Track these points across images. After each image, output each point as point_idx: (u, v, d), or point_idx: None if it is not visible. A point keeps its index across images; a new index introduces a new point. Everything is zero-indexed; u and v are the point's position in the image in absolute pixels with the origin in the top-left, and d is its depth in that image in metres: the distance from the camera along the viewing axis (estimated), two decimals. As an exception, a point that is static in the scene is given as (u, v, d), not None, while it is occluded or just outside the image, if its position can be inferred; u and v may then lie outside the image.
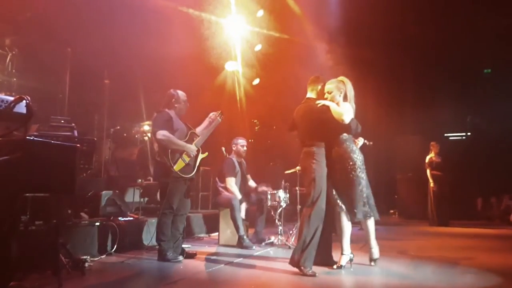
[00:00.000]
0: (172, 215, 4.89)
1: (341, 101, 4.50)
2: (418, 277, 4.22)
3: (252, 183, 6.69)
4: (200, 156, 5.08)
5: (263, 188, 6.53)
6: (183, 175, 4.86)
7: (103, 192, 5.86)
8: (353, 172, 4.38)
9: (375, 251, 4.58)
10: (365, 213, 4.40)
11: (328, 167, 4.42)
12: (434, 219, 9.60)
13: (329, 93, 4.51)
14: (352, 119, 4.41)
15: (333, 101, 4.47)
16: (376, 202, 4.61)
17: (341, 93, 4.50)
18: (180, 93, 5.14)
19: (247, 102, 10.23)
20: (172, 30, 7.69)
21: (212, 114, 5.26)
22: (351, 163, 4.38)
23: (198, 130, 5.20)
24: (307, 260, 4.18)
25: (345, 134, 4.48)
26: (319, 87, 4.65)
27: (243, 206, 6.33)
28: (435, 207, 9.63)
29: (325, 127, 4.44)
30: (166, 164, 4.78)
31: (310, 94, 4.70)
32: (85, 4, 7.29)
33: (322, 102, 4.47)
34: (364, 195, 4.41)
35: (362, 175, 4.42)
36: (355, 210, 4.35)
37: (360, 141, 5.36)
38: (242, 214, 6.24)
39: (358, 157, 4.45)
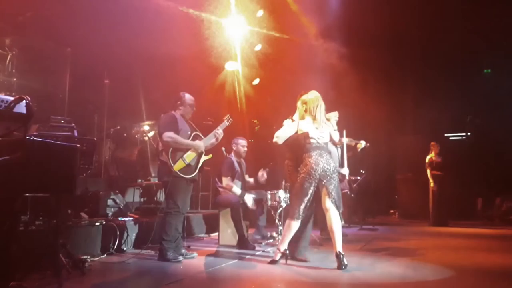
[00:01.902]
0: (178, 215, 4.90)
1: (305, 115, 4.85)
2: (417, 277, 4.22)
3: (250, 180, 6.69)
4: (203, 158, 5.09)
5: (262, 172, 6.55)
6: (183, 175, 4.87)
7: (103, 192, 5.86)
8: (304, 177, 4.62)
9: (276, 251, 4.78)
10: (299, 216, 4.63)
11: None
12: (434, 219, 9.60)
13: (298, 108, 5.04)
14: (289, 138, 4.79)
15: (300, 115, 4.95)
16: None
17: (303, 107, 4.88)
18: (187, 96, 5.16)
19: (247, 102, 10.23)
20: (172, 30, 7.68)
21: (217, 130, 5.24)
22: (305, 169, 4.64)
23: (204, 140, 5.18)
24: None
25: (307, 145, 4.72)
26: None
27: (250, 197, 6.26)
28: (435, 207, 9.63)
29: (291, 141, 4.87)
30: (168, 164, 4.81)
31: (296, 112, 5.17)
32: (86, 4, 7.29)
33: (284, 122, 5.06)
34: (305, 201, 4.61)
35: (310, 185, 4.60)
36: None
37: (362, 143, 5.49)
38: (250, 204, 6.22)
39: (315, 166, 4.62)
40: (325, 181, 4.61)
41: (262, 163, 10.39)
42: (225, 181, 6.26)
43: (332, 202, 4.58)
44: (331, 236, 4.54)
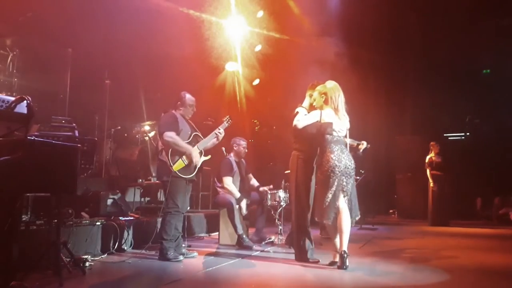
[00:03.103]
0: (178, 214, 4.92)
1: (324, 106, 4.66)
2: (417, 277, 4.23)
3: (254, 182, 6.71)
4: (202, 159, 5.10)
5: (264, 188, 6.54)
6: (181, 176, 4.88)
7: (104, 192, 5.88)
8: (327, 174, 4.47)
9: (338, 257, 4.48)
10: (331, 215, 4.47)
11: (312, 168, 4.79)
12: (434, 219, 9.62)
13: (314, 99, 4.81)
14: (311, 124, 4.63)
15: (317, 105, 4.73)
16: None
17: (322, 97, 4.68)
18: (188, 97, 5.17)
19: (247, 102, 10.26)
20: (173, 31, 7.69)
21: (218, 130, 5.22)
22: (328, 165, 4.48)
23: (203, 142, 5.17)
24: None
25: (329, 136, 4.57)
26: (311, 92, 4.95)
27: (244, 202, 6.27)
28: (435, 207, 9.65)
29: (303, 131, 4.71)
30: (167, 163, 4.83)
31: (305, 101, 5.01)
32: (86, 4, 7.31)
33: (297, 109, 4.86)
34: (329, 200, 4.44)
35: (334, 181, 4.44)
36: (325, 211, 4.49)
37: (364, 144, 5.47)
38: (244, 210, 6.22)
39: (338, 162, 4.47)
40: (344, 179, 4.47)
41: (262, 163, 10.45)
42: (226, 181, 6.27)
43: (345, 202, 4.47)
44: (339, 235, 4.43)
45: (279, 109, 10.09)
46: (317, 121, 4.61)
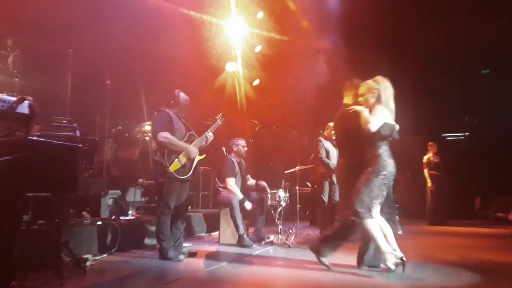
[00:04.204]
0: (170, 215, 4.91)
1: (376, 104, 4.26)
2: (417, 277, 4.23)
3: (251, 182, 6.73)
4: (197, 158, 5.08)
5: (262, 183, 6.56)
6: (178, 176, 4.87)
7: (105, 191, 5.90)
8: (382, 180, 4.31)
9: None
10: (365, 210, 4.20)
11: (360, 169, 4.37)
12: (432, 218, 9.64)
13: (362, 95, 4.35)
14: (384, 124, 4.20)
15: (366, 103, 4.27)
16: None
17: (373, 94, 4.28)
18: (182, 95, 5.13)
19: (247, 103, 10.28)
20: (173, 31, 7.72)
21: (207, 133, 5.18)
22: (378, 167, 4.26)
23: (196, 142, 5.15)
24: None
25: (388, 139, 4.38)
26: (354, 91, 4.56)
27: (248, 205, 6.29)
28: (433, 206, 9.67)
29: (355, 134, 4.26)
30: (162, 164, 4.81)
31: (346, 100, 4.65)
32: (87, 4, 7.33)
33: (353, 107, 4.31)
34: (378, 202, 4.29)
35: (378, 181, 4.27)
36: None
37: None
38: (250, 206, 6.23)
39: (389, 165, 4.34)
40: (387, 183, 4.31)
41: (262, 163, 10.47)
42: (230, 182, 6.28)
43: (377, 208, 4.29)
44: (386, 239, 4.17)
45: (279, 109, 10.12)
46: (385, 122, 4.19)
